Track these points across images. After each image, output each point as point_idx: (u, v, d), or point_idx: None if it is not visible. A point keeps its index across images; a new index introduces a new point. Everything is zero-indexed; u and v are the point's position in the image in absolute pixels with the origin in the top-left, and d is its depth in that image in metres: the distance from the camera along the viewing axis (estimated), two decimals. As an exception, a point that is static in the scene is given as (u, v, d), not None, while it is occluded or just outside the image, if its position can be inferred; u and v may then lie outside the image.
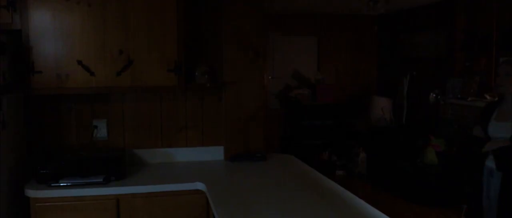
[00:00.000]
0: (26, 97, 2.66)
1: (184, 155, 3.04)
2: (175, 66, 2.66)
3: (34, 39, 2.47)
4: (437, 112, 5.93)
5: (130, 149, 2.95)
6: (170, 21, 2.64)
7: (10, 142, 2.38)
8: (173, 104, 3.01)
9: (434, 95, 5.74)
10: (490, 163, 2.88)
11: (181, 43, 2.68)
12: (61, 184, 2.42)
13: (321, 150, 6.78)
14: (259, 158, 3.03)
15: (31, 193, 2.37)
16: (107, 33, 2.56)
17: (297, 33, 7.41)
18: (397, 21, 7.12)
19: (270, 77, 7.18)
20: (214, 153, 3.09)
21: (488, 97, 5.01)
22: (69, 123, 2.86)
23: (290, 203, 2.18)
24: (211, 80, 2.96)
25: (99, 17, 2.54)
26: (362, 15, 7.13)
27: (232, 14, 2.97)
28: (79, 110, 2.87)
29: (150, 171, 2.81)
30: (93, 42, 2.54)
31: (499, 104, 2.99)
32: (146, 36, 2.61)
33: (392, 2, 5.38)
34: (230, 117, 3.04)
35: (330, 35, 7.52)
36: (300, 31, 7.42)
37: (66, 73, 2.52)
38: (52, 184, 2.41)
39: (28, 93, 2.53)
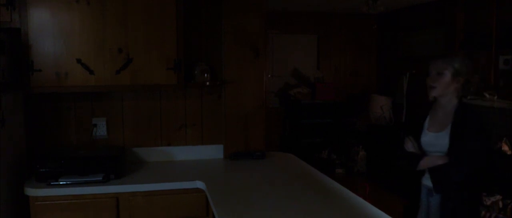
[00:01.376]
0: (26, 96, 2.66)
1: (183, 153, 3.04)
2: (174, 64, 2.66)
3: (33, 38, 2.46)
4: (436, 110, 5.92)
5: (129, 147, 2.95)
6: (170, 19, 2.63)
7: (9, 140, 2.38)
8: (173, 102, 3.01)
9: (433, 93, 5.71)
10: (427, 181, 2.44)
11: (181, 42, 2.67)
12: (61, 183, 2.42)
13: (321, 148, 6.79)
14: (259, 156, 3.03)
15: (31, 191, 2.37)
16: (106, 31, 2.55)
17: (297, 31, 7.40)
18: (397, 19, 7.11)
19: (269, 75, 7.18)
20: (214, 152, 3.09)
21: (487, 96, 5.00)
22: (69, 122, 2.86)
23: (289, 202, 2.18)
24: (211, 79, 2.96)
25: (98, 15, 2.54)
26: (362, 13, 7.12)
27: (232, 13, 2.97)
28: (78, 108, 2.87)
29: (149, 169, 2.81)
30: (92, 41, 2.54)
31: (431, 110, 2.51)
32: (145, 35, 2.61)
33: (392, 1, 5.36)
34: (230, 115, 3.03)
35: (330, 34, 7.50)
36: (300, 29, 7.41)
37: (66, 71, 2.52)
38: (52, 183, 2.41)
39: (27, 91, 2.52)
